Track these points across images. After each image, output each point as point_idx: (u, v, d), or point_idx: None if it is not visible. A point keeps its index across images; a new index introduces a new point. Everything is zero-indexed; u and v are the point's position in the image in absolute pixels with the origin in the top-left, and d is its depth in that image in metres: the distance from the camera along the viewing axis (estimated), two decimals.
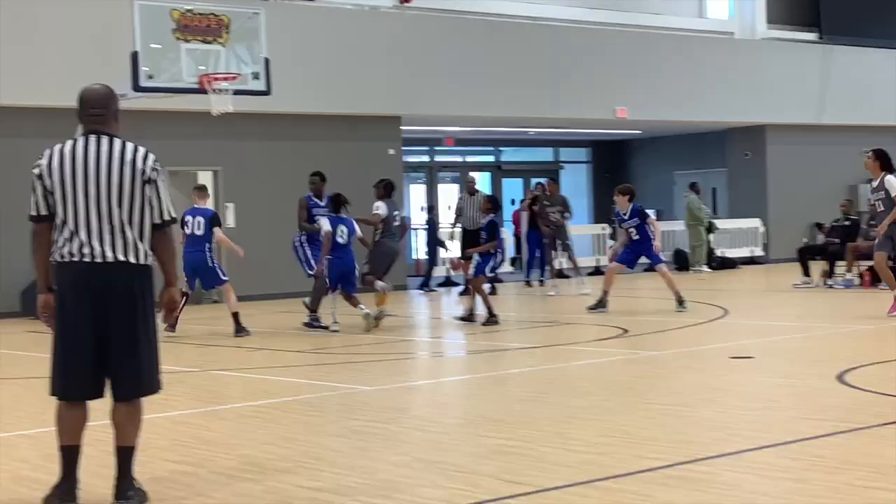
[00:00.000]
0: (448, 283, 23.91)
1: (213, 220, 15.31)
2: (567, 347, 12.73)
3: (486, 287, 18.58)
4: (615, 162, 32.69)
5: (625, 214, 16.49)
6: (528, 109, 25.03)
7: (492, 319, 14.97)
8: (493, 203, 16.16)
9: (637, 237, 16.45)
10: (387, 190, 16.20)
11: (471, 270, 16.47)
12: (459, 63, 23.90)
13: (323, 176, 16.40)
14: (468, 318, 15.53)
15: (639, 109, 26.32)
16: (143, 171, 5.77)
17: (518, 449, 6.88)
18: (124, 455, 5.80)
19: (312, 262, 15.38)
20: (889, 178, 14.42)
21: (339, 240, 14.86)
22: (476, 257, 16.24)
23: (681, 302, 15.92)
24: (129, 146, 5.81)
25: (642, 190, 30.19)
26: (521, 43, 24.82)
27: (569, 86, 25.24)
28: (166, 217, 5.84)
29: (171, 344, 13.47)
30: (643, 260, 17.06)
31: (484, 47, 24.25)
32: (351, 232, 14.99)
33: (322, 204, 15.89)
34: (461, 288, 21.60)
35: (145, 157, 5.81)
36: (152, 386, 5.86)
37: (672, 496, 5.65)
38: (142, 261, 5.74)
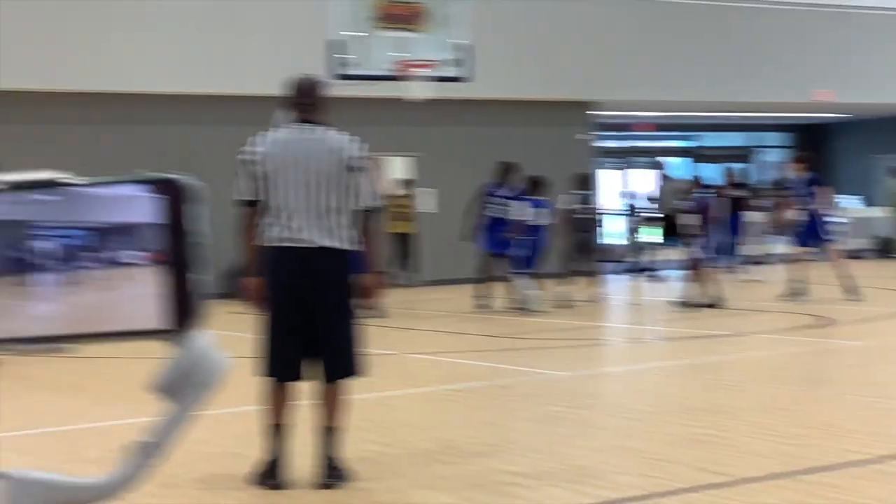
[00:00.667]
0: (644, 268, 23.70)
1: None
2: (763, 336, 12.51)
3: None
4: (815, 146, 31.82)
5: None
6: (724, 94, 24.59)
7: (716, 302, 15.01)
8: (697, 184, 16.03)
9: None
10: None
11: (696, 254, 16.05)
12: (655, 47, 23.64)
13: (508, 165, 16.43)
14: (698, 303, 15.23)
15: (841, 92, 25.54)
16: (350, 158, 5.91)
17: (714, 438, 6.82)
18: (329, 435, 5.97)
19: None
20: None
21: (539, 221, 15.39)
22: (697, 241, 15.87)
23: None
24: (337, 135, 5.98)
25: (843, 175, 29.44)
26: (717, 25, 24.39)
27: (767, 68, 24.69)
28: (371, 203, 5.96)
29: (371, 327, 13.78)
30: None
31: (679, 30, 23.92)
32: (544, 213, 15.53)
33: (501, 192, 15.94)
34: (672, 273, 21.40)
35: (351, 145, 5.96)
36: (356, 369, 5.99)
37: (876, 491, 5.53)
38: (346, 246, 5.88)
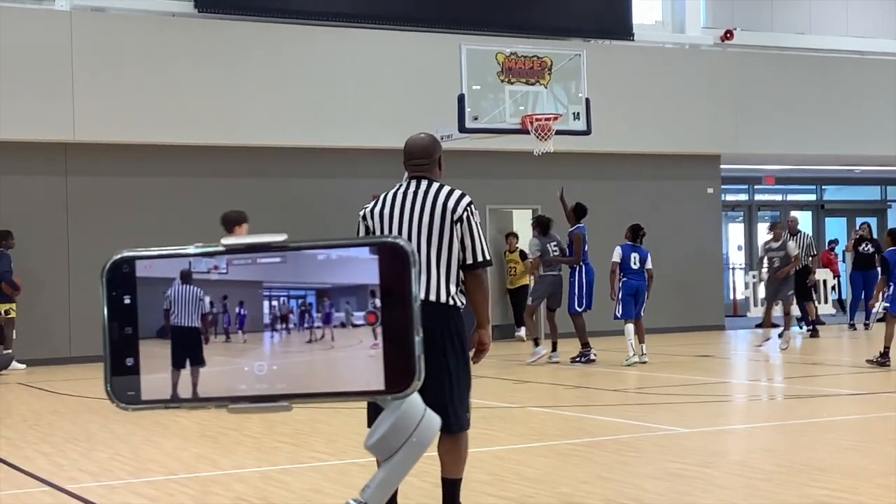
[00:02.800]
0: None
1: None
2: (891, 395, 12.21)
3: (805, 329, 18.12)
4: None
5: None
6: (852, 146, 24.22)
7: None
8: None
9: None
10: (543, 227, 16.71)
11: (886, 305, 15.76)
12: (780, 100, 23.42)
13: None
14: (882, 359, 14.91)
15: None
16: (454, 211, 5.88)
17: (844, 501, 6.68)
18: (447, 486, 6.02)
19: (584, 298, 16.19)
20: None
21: (633, 266, 15.91)
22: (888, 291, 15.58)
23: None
24: (445, 189, 5.97)
25: None
26: (845, 78, 24.08)
27: None
28: (479, 258, 5.89)
29: (486, 380, 13.81)
30: None
31: (806, 83, 23.67)
32: (643, 259, 15.98)
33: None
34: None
35: (458, 199, 5.93)
36: (459, 424, 5.94)
37: None
38: (444, 300, 5.80)
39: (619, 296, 15.84)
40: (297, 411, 11.33)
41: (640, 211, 22.19)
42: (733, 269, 27.98)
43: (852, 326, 22.25)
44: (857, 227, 24.64)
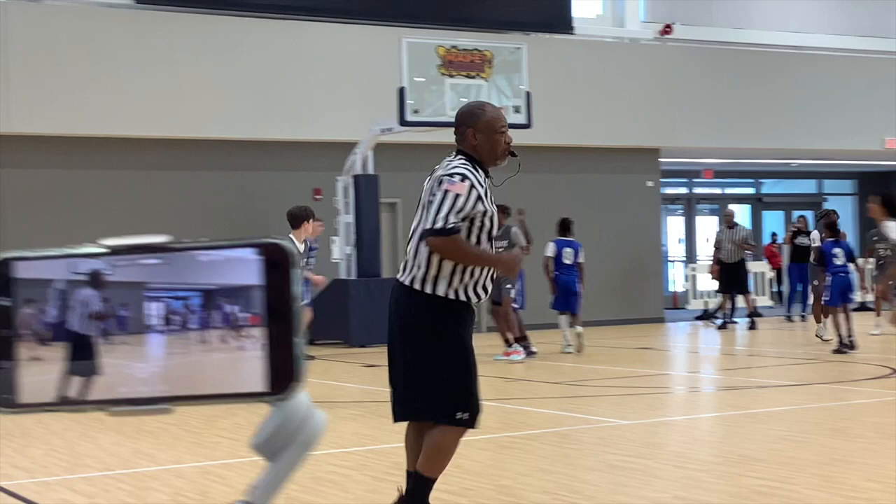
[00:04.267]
0: (706, 315, 23.53)
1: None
2: (831, 386, 12.36)
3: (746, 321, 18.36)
4: (880, 193, 31.46)
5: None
6: (790, 140, 24.48)
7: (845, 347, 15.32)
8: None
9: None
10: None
11: (825, 297, 16.22)
12: (719, 94, 23.62)
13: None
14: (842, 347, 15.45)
15: None
16: (439, 179, 5.54)
17: (780, 491, 6.74)
18: (410, 481, 5.81)
19: (519, 297, 16.12)
20: None
21: (566, 261, 16.13)
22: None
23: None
24: (447, 161, 5.64)
25: None
26: (783, 73, 24.32)
27: (833, 116, 24.56)
28: (427, 225, 5.46)
29: None
30: None
31: (745, 78, 23.89)
32: (576, 254, 16.25)
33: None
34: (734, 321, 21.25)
35: (444, 169, 5.56)
36: (423, 412, 5.64)
37: None
38: (407, 283, 5.54)
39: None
40: (239, 406, 11.26)
41: (580, 204, 22.29)
42: (673, 261, 28.20)
43: (789, 318, 22.50)
44: (794, 220, 24.93)
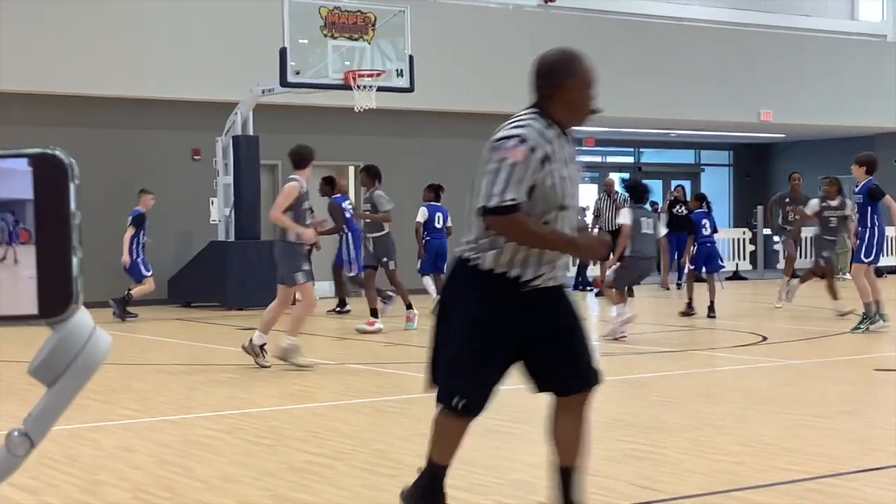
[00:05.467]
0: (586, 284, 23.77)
1: (136, 220, 16.74)
2: (704, 353, 12.58)
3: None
4: (757, 165, 32.17)
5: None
6: (669, 111, 24.82)
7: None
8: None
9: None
10: (378, 178, 15.00)
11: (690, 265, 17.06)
12: (601, 63, 23.46)
13: (330, 180, 17.12)
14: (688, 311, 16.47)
15: (784, 113, 25.86)
16: (493, 145, 4.72)
17: (652, 454, 6.83)
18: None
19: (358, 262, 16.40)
20: None
21: (437, 224, 16.46)
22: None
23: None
24: (510, 120, 4.83)
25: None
26: (664, 44, 24.61)
27: (712, 88, 24.94)
28: (479, 203, 4.68)
29: (305, 337, 13.70)
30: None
31: (626, 47, 24.10)
32: (445, 218, 16.55)
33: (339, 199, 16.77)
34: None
35: (498, 132, 4.78)
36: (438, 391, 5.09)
37: None
38: (456, 253, 5.00)
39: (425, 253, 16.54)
40: (110, 368, 11.05)
41: (461, 169, 22.28)
42: None
43: (664, 286, 22.83)
44: (672, 189, 25.30)
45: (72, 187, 1.23)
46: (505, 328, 4.80)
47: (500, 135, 4.69)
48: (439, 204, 16.62)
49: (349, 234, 16.42)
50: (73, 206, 1.22)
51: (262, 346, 10.96)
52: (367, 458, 6.79)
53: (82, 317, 1.28)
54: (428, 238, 16.46)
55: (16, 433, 1.29)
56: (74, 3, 18.82)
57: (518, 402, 9.11)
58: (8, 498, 5.83)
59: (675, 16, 26.14)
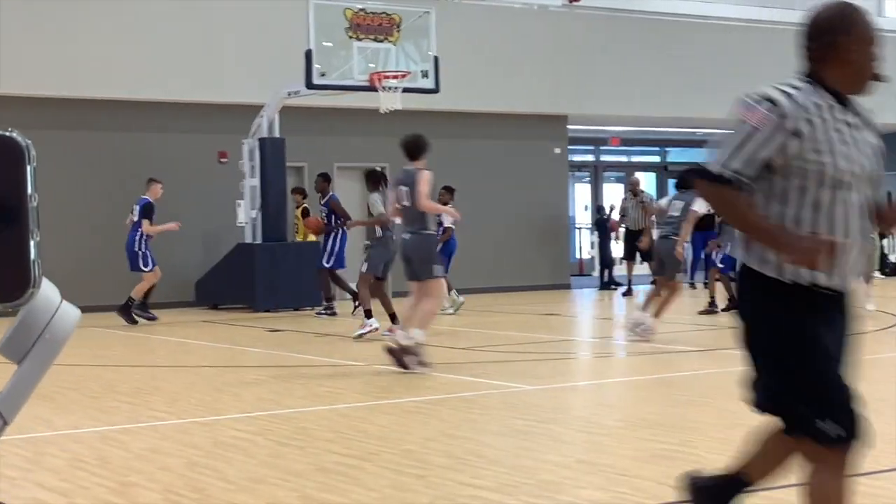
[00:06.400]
0: (614, 283, 23.73)
1: (144, 209, 16.68)
2: (732, 351, 12.54)
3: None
4: None
5: None
6: (695, 109, 24.72)
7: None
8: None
9: None
10: (374, 181, 14.40)
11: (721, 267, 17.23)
12: (626, 62, 23.74)
13: (326, 176, 17.76)
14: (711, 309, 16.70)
15: None
16: (738, 100, 4.13)
17: (681, 454, 6.81)
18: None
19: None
20: None
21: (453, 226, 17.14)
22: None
23: None
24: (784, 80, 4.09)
25: None
26: (690, 42, 24.54)
27: (737, 85, 24.76)
28: (704, 163, 4.07)
29: (331, 338, 13.73)
30: None
31: (651, 46, 24.04)
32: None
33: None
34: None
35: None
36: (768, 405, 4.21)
37: None
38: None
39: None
40: (139, 370, 11.11)
41: (487, 171, 22.31)
42: (580, 229, 28.38)
43: (692, 285, 22.78)
44: None
45: (29, 170, 1.21)
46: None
47: (753, 93, 4.03)
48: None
49: (341, 231, 16.99)
50: (30, 189, 1.21)
51: (412, 346, 10.70)
52: (395, 459, 6.79)
53: (48, 292, 1.27)
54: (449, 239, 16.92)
55: None
56: (101, 7, 18.91)
57: (546, 402, 9.11)
58: (40, 500, 5.87)
59: (700, 13, 26.05)
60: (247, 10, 20.00)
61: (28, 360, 1.27)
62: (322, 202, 17.39)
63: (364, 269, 13.99)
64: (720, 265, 16.82)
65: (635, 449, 7.10)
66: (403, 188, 11.00)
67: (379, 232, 14.02)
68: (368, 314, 13.71)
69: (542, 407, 8.83)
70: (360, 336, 13.61)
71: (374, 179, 14.35)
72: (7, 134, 1.22)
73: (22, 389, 1.28)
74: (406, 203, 10.92)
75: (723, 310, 16.36)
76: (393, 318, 13.59)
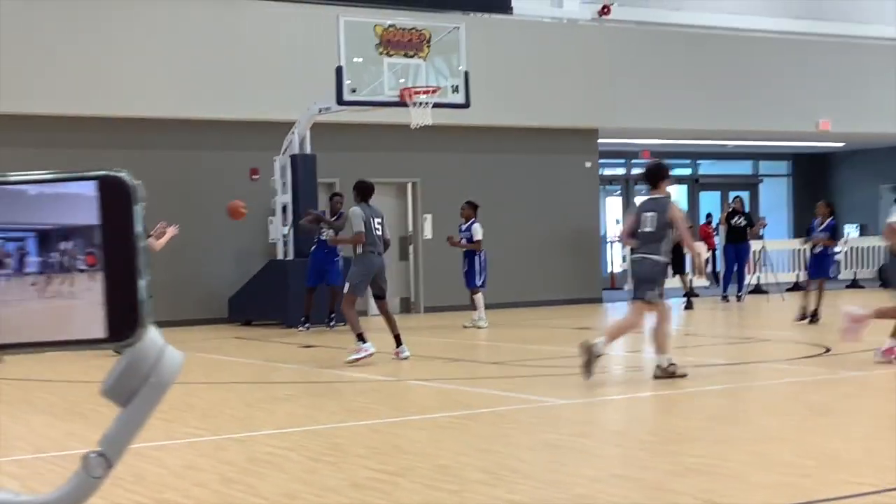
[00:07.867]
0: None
1: None
2: (765, 365, 12.46)
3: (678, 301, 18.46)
4: (817, 175, 31.86)
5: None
6: (726, 122, 24.67)
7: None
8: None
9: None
10: (362, 194, 13.38)
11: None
12: (657, 75, 23.70)
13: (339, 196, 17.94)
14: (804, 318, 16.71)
15: (842, 121, 25.61)
16: None
17: (715, 468, 6.78)
18: None
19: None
20: None
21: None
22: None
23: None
24: None
25: (846, 204, 29.44)
26: (720, 54, 24.48)
27: (769, 97, 24.75)
28: None
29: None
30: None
31: (682, 59, 24.00)
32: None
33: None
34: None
35: None
36: None
37: None
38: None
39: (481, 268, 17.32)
40: (173, 387, 11.15)
41: (518, 185, 22.32)
42: (611, 242, 28.32)
43: (725, 298, 22.68)
44: (730, 201, 25.13)
45: (137, 210, 1.24)
46: None
47: None
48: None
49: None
50: (138, 228, 1.24)
51: (669, 365, 11.11)
52: (429, 474, 6.79)
53: (152, 335, 1.30)
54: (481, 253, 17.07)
55: (93, 454, 1.31)
56: (132, 26, 19.05)
57: (579, 416, 9.09)
58: None
59: (730, 26, 25.99)
60: (277, 28, 20.10)
61: (134, 403, 1.29)
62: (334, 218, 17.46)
63: (346, 289, 13.02)
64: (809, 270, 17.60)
65: (671, 463, 7.08)
66: (649, 214, 11.43)
67: (359, 249, 13.01)
68: (360, 338, 12.67)
69: (575, 421, 8.81)
70: (354, 361, 12.62)
71: (365, 191, 13.33)
72: (116, 174, 1.25)
73: (127, 433, 1.30)
74: (649, 228, 11.35)
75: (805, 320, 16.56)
76: (398, 339, 12.95)
